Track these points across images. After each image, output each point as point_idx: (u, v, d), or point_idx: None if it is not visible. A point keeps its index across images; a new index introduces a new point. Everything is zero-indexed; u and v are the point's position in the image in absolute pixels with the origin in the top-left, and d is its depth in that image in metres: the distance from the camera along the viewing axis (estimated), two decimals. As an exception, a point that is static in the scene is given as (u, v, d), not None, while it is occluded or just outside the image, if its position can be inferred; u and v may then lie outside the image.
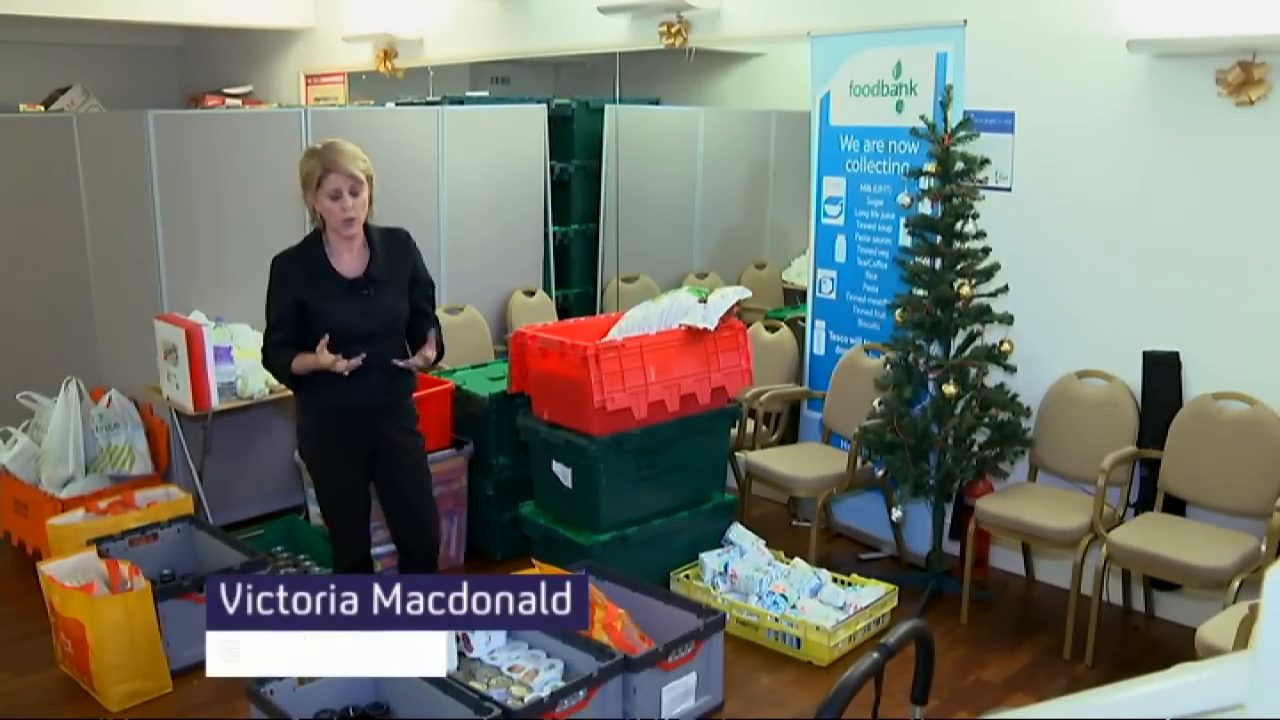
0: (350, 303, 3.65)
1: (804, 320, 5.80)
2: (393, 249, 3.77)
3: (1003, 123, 4.75)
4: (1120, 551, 4.08)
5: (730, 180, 7.53)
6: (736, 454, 5.33)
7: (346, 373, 3.57)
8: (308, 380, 3.67)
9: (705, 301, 4.72)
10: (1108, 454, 4.26)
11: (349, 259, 3.70)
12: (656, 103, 7.45)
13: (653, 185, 7.24)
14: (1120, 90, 4.42)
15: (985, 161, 4.52)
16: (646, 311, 4.83)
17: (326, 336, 3.56)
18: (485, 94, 7.47)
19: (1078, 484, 4.61)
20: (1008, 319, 4.48)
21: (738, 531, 4.86)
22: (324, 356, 3.54)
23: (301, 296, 3.64)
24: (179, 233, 5.18)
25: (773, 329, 5.92)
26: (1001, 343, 4.50)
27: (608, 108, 6.96)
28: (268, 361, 3.75)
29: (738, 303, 4.73)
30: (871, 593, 4.52)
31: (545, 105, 6.83)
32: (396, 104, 7.34)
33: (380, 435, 3.77)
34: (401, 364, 3.70)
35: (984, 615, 4.66)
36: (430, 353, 3.72)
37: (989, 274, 4.50)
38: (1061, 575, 4.74)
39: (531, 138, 6.72)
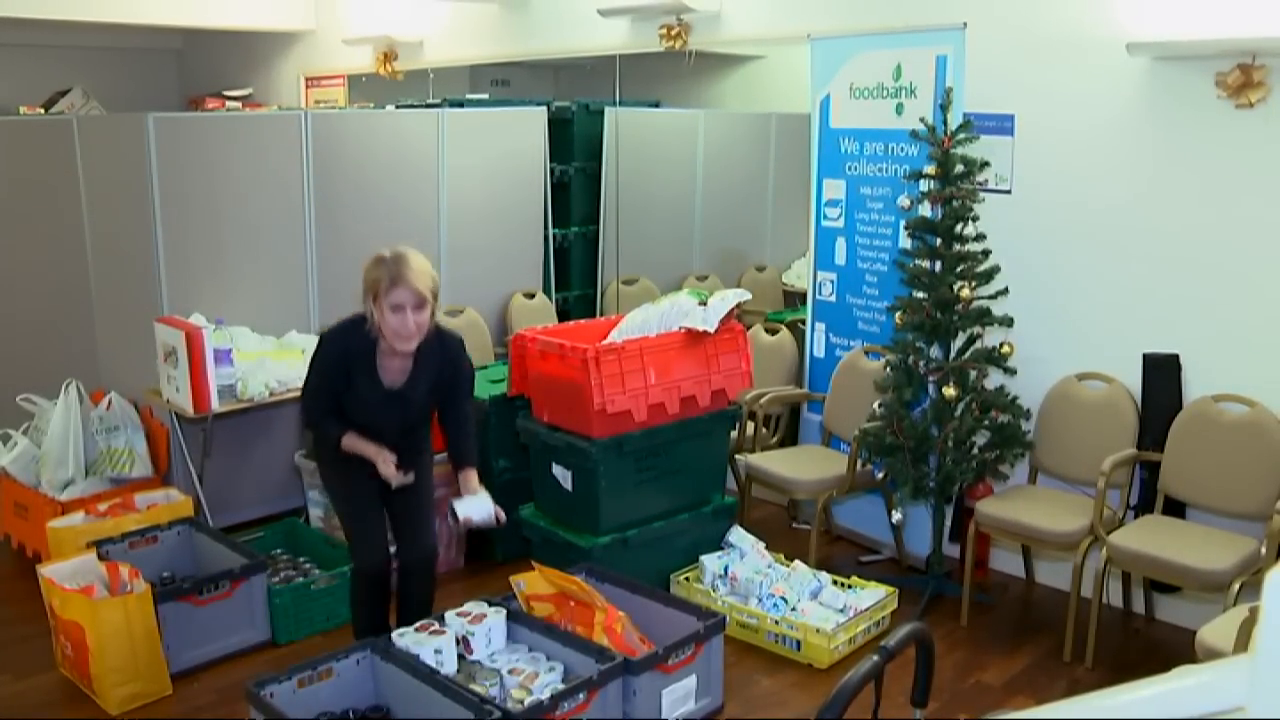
0: (382, 407, 3.72)
1: (804, 323, 5.80)
2: (437, 357, 3.75)
3: (1002, 125, 4.75)
4: (1120, 554, 4.08)
5: (730, 183, 7.53)
6: (736, 456, 5.33)
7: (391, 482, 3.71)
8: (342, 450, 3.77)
9: (705, 304, 4.72)
10: (1108, 456, 4.26)
11: (395, 366, 3.70)
12: (656, 105, 7.48)
13: (653, 187, 7.25)
14: (1120, 93, 4.43)
15: (985, 164, 4.52)
16: (646, 314, 4.83)
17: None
18: (485, 96, 7.47)
19: (1078, 486, 4.60)
20: (1008, 321, 4.48)
21: (738, 534, 4.86)
22: (382, 464, 3.67)
23: (339, 385, 3.70)
24: (179, 235, 5.18)
25: (773, 331, 5.92)
26: (1001, 345, 4.49)
27: (607, 110, 6.97)
28: (311, 420, 3.80)
29: (738, 305, 4.73)
30: (871, 595, 4.51)
31: (545, 108, 6.84)
32: (396, 106, 7.33)
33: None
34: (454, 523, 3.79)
35: (984, 618, 4.66)
36: (473, 478, 3.87)
37: (989, 276, 4.50)
38: (1062, 578, 4.74)
39: (531, 140, 6.73)
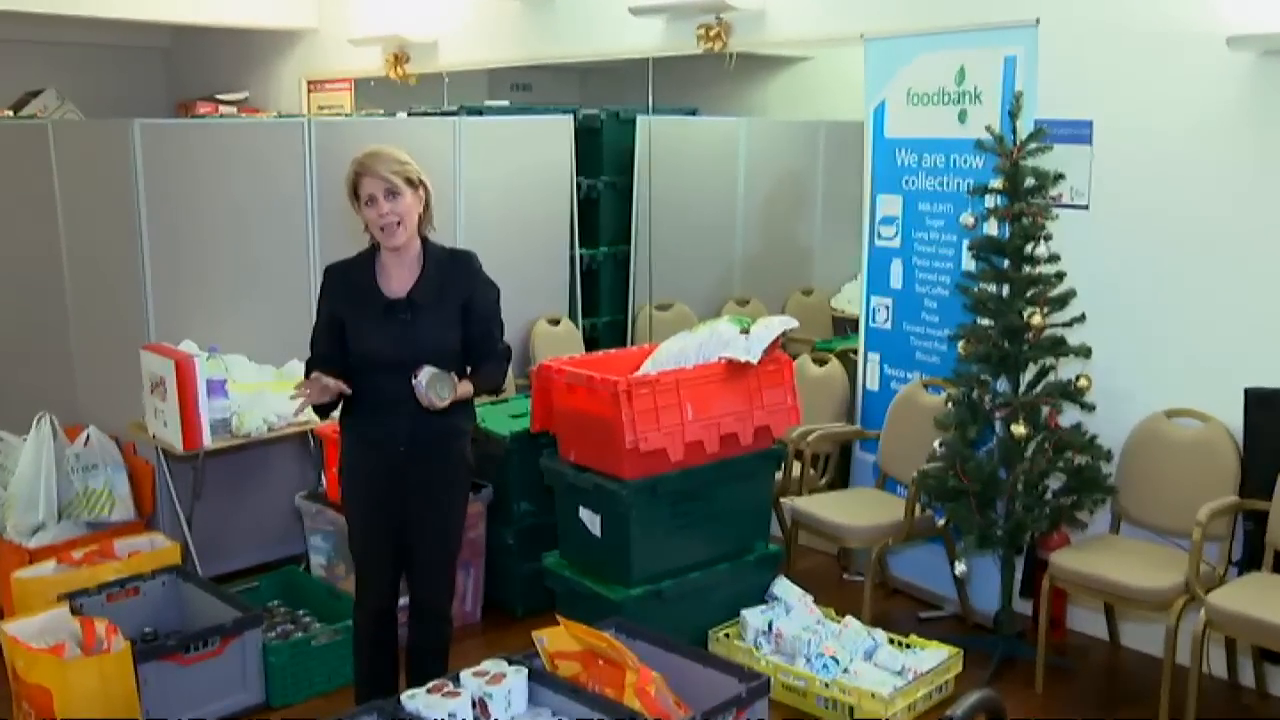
0: (384, 326, 3.67)
1: (856, 352, 5.79)
2: (448, 271, 3.78)
3: (1079, 133, 4.72)
4: (1222, 616, 4.00)
5: (775, 198, 7.53)
6: (782, 500, 5.31)
7: (329, 396, 3.60)
8: (344, 405, 3.73)
9: (747, 332, 4.71)
10: (1204, 504, 4.18)
11: (397, 277, 3.74)
12: (693, 113, 7.51)
13: (689, 204, 7.24)
14: (1218, 93, 4.38)
15: (1059, 176, 4.49)
16: (683, 343, 4.82)
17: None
18: (505, 103, 7.53)
19: (1169, 538, 4.54)
20: (1085, 351, 4.44)
21: (783, 586, 4.84)
22: (316, 385, 3.57)
23: (338, 312, 3.71)
24: (168, 254, 5.19)
25: (821, 362, 5.90)
26: (1078, 378, 4.45)
27: (640, 118, 6.99)
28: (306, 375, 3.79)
29: (783, 333, 4.72)
30: (933, 656, 4.47)
31: (571, 116, 6.88)
32: (408, 114, 7.37)
33: (407, 485, 3.78)
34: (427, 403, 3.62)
35: (1062, 685, 4.59)
36: (466, 387, 3.70)
37: (1063, 301, 4.47)
38: (1152, 641, 4.66)
39: (556, 151, 6.75)
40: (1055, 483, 4.57)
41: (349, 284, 3.75)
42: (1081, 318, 4.48)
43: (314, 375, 3.60)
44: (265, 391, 5.11)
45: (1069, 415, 4.56)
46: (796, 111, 7.47)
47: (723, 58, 6.11)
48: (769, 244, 7.59)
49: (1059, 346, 4.47)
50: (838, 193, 7.05)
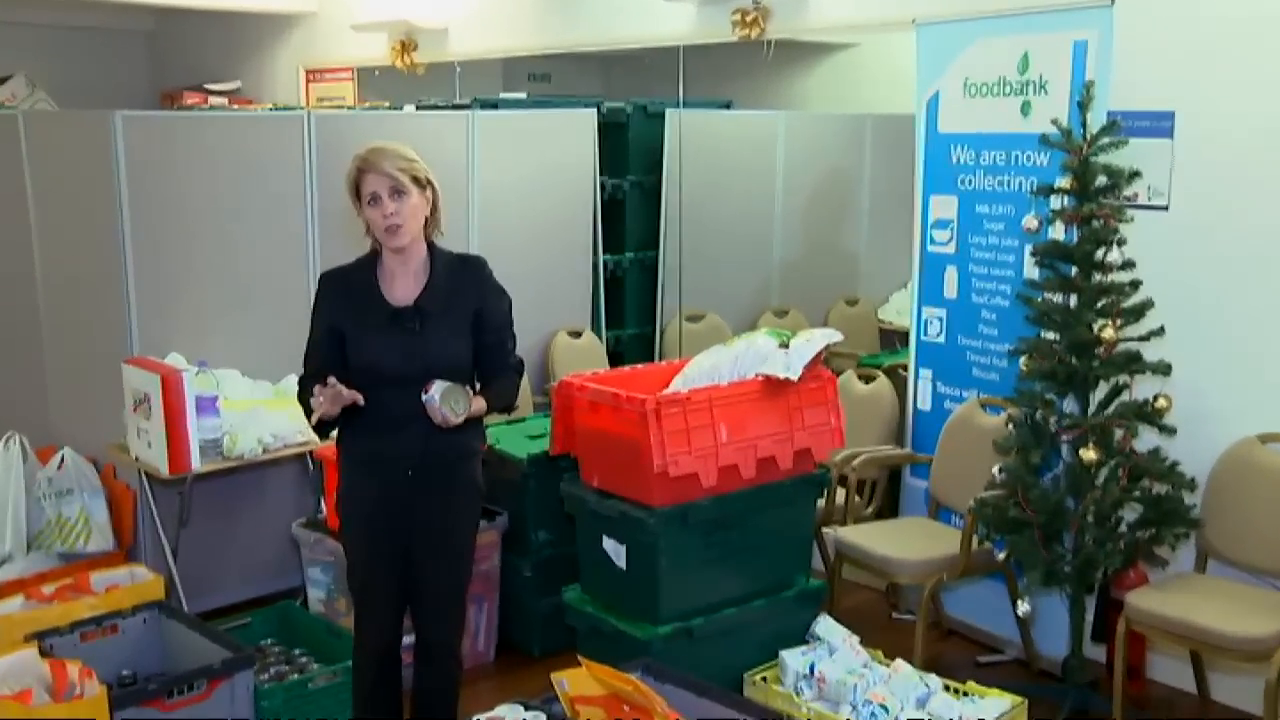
0: (390, 337, 3.67)
1: (906, 369, 5.81)
2: (458, 277, 3.80)
3: (1159, 125, 4.68)
4: (1333, 671, 3.94)
5: (816, 199, 7.56)
6: (824, 530, 5.29)
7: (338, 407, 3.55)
8: (344, 423, 3.70)
9: (787, 346, 4.69)
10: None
11: (402, 284, 3.75)
12: (728, 106, 7.59)
13: (723, 205, 7.27)
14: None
15: (1135, 174, 4.44)
16: (716, 358, 4.81)
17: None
18: (523, 96, 7.57)
19: (1264, 578, 4.49)
20: (1163, 368, 4.39)
21: (826, 625, 4.76)
22: (331, 391, 3.52)
23: (338, 323, 3.72)
24: (152, 259, 5.21)
25: (868, 379, 5.91)
26: (1156, 398, 4.41)
27: (669, 112, 7.02)
28: (299, 398, 3.81)
29: (826, 347, 4.69)
30: (994, 706, 4.39)
31: (595, 109, 6.92)
32: (417, 107, 7.42)
33: (414, 511, 3.77)
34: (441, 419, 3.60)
35: (1141, 742, 4.55)
36: (479, 403, 3.71)
37: (1139, 313, 4.42)
38: (1248, 696, 4.57)
39: (578, 148, 6.79)
40: (1130, 514, 4.52)
41: (349, 292, 3.75)
42: (1160, 331, 4.43)
43: (330, 381, 3.54)
44: (259, 409, 5.13)
45: (1146, 439, 4.50)
46: (841, 104, 7.50)
47: (760, 45, 6.13)
48: (810, 249, 7.60)
49: (1134, 363, 4.42)
50: (886, 193, 7.08)
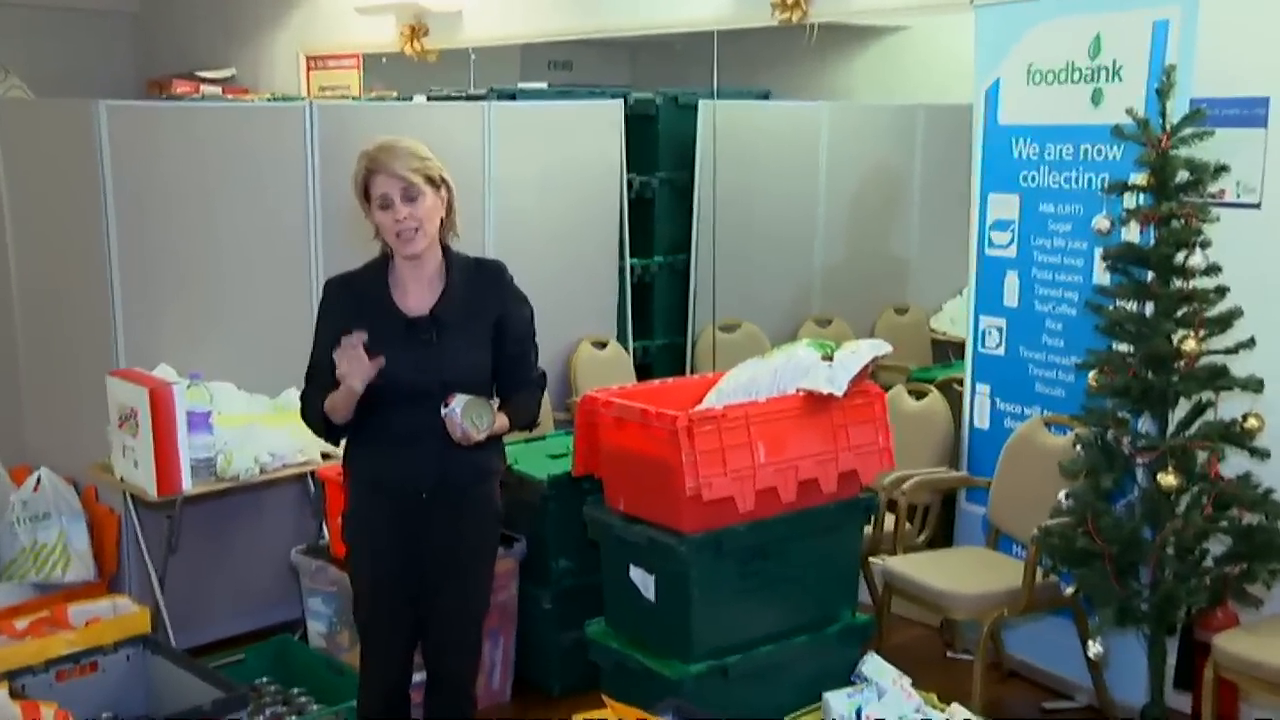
0: (405, 348, 3.64)
1: (961, 383, 5.80)
2: (476, 284, 3.80)
3: (1250, 114, 4.62)
4: None
5: (863, 198, 7.59)
6: (872, 560, 5.28)
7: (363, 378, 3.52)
8: (351, 440, 3.75)
9: (830, 359, 4.68)
10: None
11: (416, 292, 3.74)
12: (766, 96, 7.61)
13: (761, 204, 7.31)
14: None
15: (1222, 168, 4.36)
16: (754, 371, 4.82)
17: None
18: (543, 86, 7.62)
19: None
20: (1255, 385, 4.30)
21: (874, 664, 4.68)
22: (352, 351, 3.50)
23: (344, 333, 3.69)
24: (139, 263, 5.20)
25: (919, 395, 5.91)
26: (1245, 417, 4.32)
27: (702, 103, 7.06)
28: (303, 415, 3.83)
29: (873, 360, 4.70)
30: (1062, 758, 4.37)
31: (621, 100, 6.95)
32: (428, 98, 7.48)
33: (428, 537, 3.77)
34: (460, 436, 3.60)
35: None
36: (502, 419, 3.71)
37: (1225, 322, 4.35)
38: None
39: (603, 143, 6.83)
40: (1217, 547, 4.44)
41: (358, 300, 3.74)
42: (1249, 343, 4.35)
43: (346, 341, 3.53)
44: (256, 426, 5.13)
45: (1234, 463, 4.41)
46: (890, 93, 7.55)
47: (802, 30, 6.16)
48: (856, 253, 7.63)
49: (1219, 377, 4.33)
50: (939, 191, 7.11)
